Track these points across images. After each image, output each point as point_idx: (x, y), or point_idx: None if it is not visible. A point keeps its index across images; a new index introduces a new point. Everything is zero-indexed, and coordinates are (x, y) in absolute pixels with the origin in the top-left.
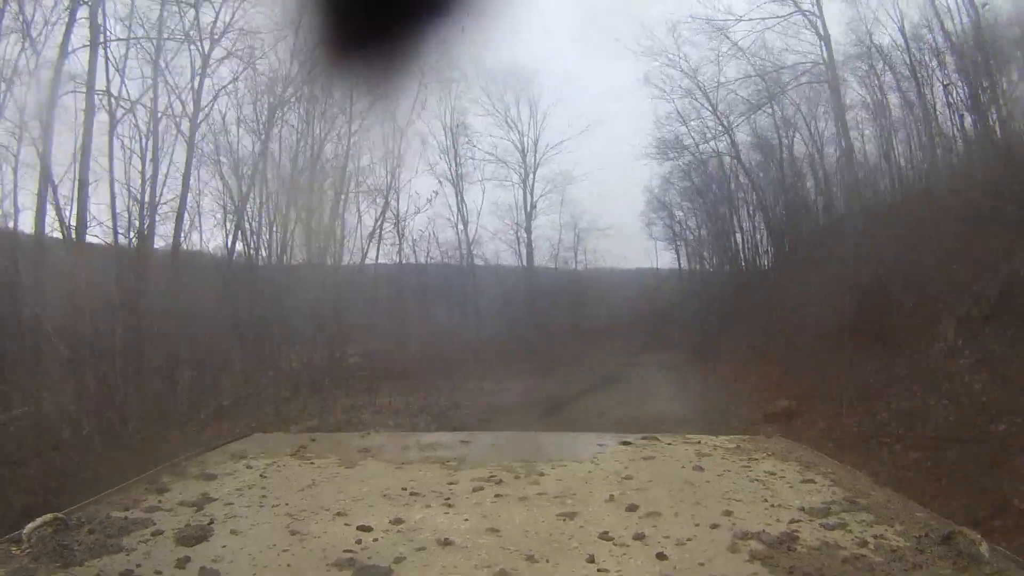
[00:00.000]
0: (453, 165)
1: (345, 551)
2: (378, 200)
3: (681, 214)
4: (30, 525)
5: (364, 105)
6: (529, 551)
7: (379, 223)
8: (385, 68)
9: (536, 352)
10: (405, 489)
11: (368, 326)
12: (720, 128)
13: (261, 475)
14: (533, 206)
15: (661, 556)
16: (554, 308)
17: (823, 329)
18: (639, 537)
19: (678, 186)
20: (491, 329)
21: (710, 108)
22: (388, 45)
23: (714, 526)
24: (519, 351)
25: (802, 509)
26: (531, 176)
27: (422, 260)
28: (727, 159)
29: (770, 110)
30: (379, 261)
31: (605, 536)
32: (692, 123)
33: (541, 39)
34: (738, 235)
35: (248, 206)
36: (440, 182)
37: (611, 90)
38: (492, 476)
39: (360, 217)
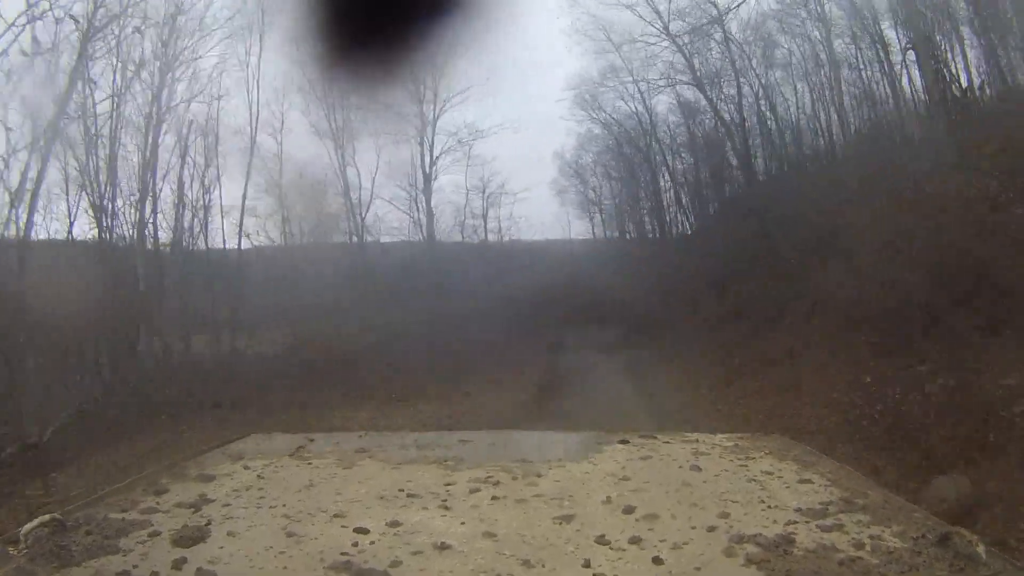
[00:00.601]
0: (332, 116)
1: (342, 554)
2: (247, 161)
3: (595, 180)
4: (27, 525)
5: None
6: (525, 556)
7: (246, 188)
8: None
9: (440, 354)
10: (402, 490)
11: (238, 323)
12: (672, 47)
13: (259, 476)
14: (433, 163)
15: (657, 560)
16: (463, 290)
17: (863, 310)
18: (635, 541)
19: (593, 151)
20: (384, 321)
21: (661, 24)
22: None
23: (711, 529)
24: (418, 352)
25: (799, 510)
26: (430, 130)
27: (303, 240)
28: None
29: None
30: (244, 244)
31: (601, 540)
32: (633, 46)
33: None
34: (670, 193)
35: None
36: (320, 137)
37: (529, 35)
38: (489, 477)
39: (221, 181)
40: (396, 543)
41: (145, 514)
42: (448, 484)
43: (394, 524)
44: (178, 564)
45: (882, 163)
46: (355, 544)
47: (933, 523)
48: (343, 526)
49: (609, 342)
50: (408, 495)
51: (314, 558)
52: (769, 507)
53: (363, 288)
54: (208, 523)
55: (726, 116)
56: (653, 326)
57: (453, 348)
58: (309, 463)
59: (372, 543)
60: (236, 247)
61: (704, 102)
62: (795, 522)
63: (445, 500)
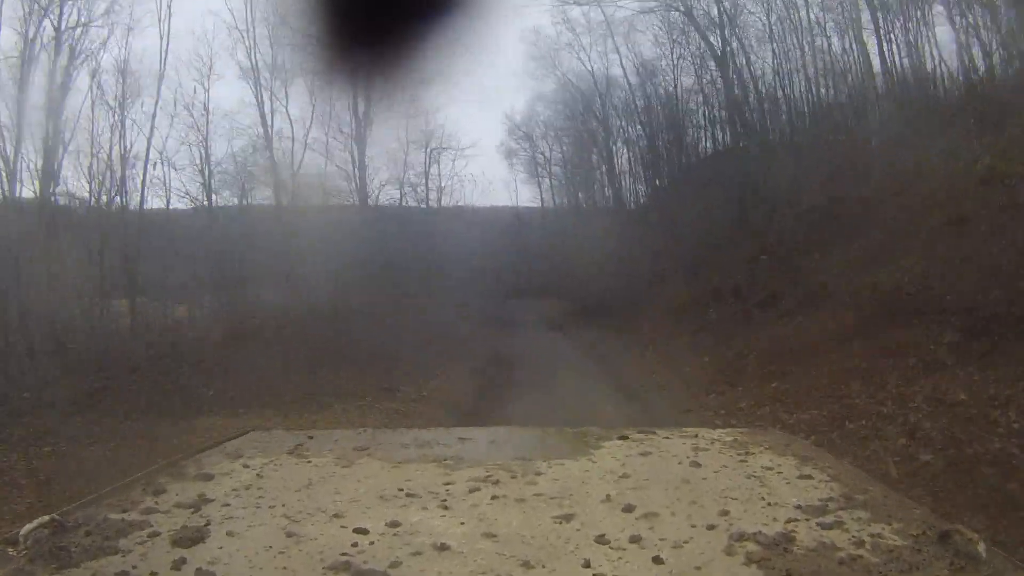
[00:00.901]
0: (253, 51)
1: (341, 554)
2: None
3: (546, 144)
4: (27, 526)
5: None
6: (525, 556)
7: (152, 128)
8: None
9: (368, 338)
10: (402, 490)
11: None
12: None
13: (258, 475)
14: (369, 108)
15: (657, 560)
16: (402, 257)
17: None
18: (635, 540)
19: (544, 113)
20: (303, 297)
21: None
22: None
23: (711, 527)
24: (340, 333)
25: (799, 507)
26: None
27: (228, 200)
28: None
29: None
30: (170, 203)
31: (601, 539)
32: None
33: None
34: (625, 159)
35: None
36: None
37: None
38: (489, 476)
39: (128, 128)
40: (396, 544)
41: (144, 514)
42: (447, 483)
43: (394, 524)
44: (177, 565)
45: (861, 139)
46: (355, 544)
47: (933, 520)
48: (342, 526)
49: (567, 320)
50: (407, 495)
51: (314, 559)
52: (769, 504)
53: (287, 255)
54: (207, 523)
55: (715, 42)
56: (615, 304)
57: (384, 329)
58: (308, 461)
59: (372, 543)
60: (139, 206)
61: (663, 62)
62: (795, 519)
63: (445, 500)
